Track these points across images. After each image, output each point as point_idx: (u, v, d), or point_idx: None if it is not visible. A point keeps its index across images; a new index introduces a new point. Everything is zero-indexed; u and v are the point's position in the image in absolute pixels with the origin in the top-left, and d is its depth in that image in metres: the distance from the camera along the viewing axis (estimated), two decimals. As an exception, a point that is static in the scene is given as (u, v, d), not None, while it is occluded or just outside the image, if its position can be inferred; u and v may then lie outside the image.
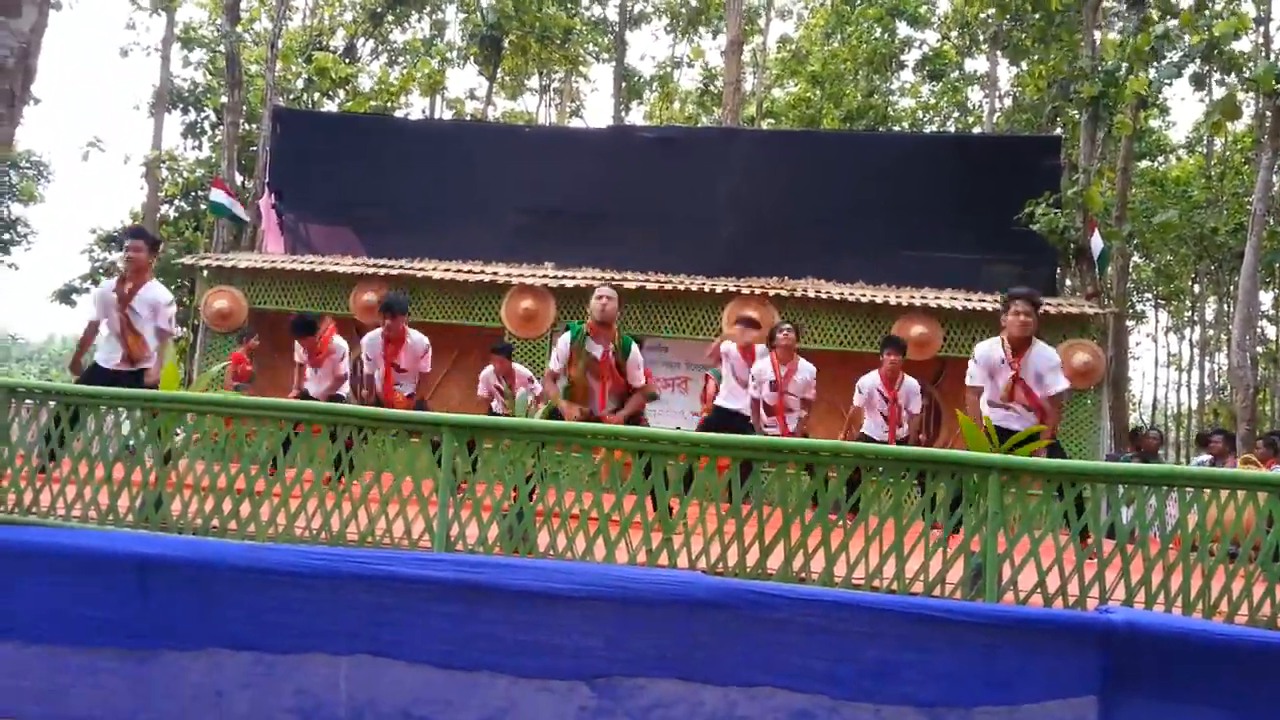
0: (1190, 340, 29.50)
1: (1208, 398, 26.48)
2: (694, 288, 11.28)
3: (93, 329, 6.27)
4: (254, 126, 20.87)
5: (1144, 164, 23.23)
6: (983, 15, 21.89)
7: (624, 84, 27.92)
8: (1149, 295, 29.23)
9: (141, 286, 6.07)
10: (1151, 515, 3.59)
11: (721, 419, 7.26)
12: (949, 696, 2.01)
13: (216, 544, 2.61)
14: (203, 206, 20.44)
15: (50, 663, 2.16)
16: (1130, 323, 25.91)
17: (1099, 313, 11.22)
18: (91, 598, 2.18)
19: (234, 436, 4.22)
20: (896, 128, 26.24)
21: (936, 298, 11.08)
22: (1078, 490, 3.69)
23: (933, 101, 27.41)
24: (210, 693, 2.11)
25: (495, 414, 8.67)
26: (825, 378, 8.03)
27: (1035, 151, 13.23)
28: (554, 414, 5.88)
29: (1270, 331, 24.46)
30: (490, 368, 8.79)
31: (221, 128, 20.08)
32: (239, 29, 19.11)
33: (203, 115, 22.85)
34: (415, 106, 26.24)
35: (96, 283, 21.93)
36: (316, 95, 22.18)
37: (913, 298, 11.04)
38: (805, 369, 7.54)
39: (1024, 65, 21.93)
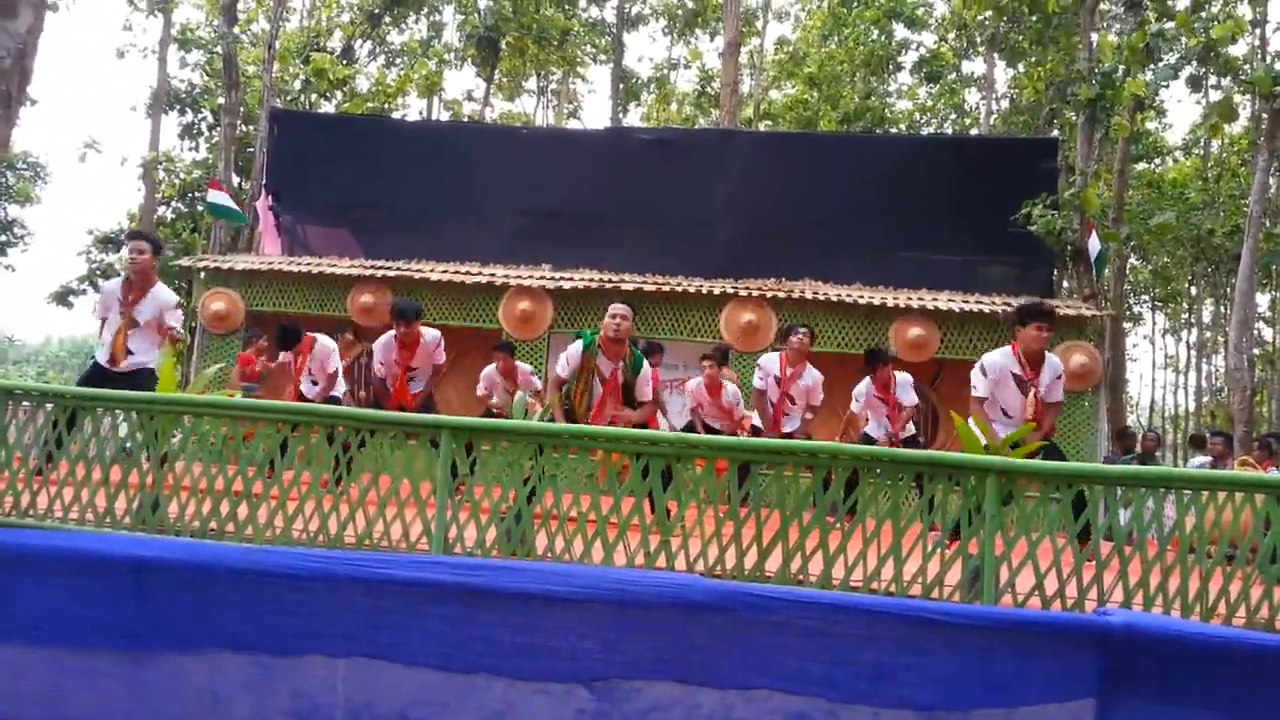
0: (1187, 342, 29.54)
1: (1205, 400, 26.50)
2: (691, 289, 11.29)
3: (105, 326, 6.18)
4: (251, 128, 20.84)
5: (1141, 166, 23.24)
6: (980, 17, 21.90)
7: (621, 85, 27.93)
8: (1146, 297, 29.23)
9: (148, 290, 6.06)
10: (1149, 517, 3.59)
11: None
12: (946, 699, 2.00)
13: (214, 546, 2.61)
14: (200, 208, 20.41)
15: (49, 665, 2.15)
16: (1127, 325, 25.92)
17: (1096, 315, 11.24)
18: (89, 600, 2.17)
19: (231, 439, 4.22)
20: (894, 130, 26.26)
21: (934, 299, 11.09)
22: (1075, 491, 3.70)
23: (930, 103, 27.43)
24: (208, 694, 2.11)
25: (492, 410, 8.70)
26: (823, 379, 8.05)
27: (1032, 153, 13.25)
28: (551, 419, 5.88)
29: (1267, 333, 24.49)
30: (493, 365, 8.83)
31: (219, 129, 20.05)
32: (236, 30, 19.08)
33: (200, 116, 22.83)
34: (413, 108, 26.26)
35: (94, 284, 21.92)
36: (314, 96, 22.17)
37: (910, 299, 11.05)
38: (811, 375, 7.54)
39: (1021, 67, 21.96)
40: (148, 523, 4.13)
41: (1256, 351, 18.18)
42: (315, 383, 7.62)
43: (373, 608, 2.12)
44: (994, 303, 10.98)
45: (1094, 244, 12.02)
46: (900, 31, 26.33)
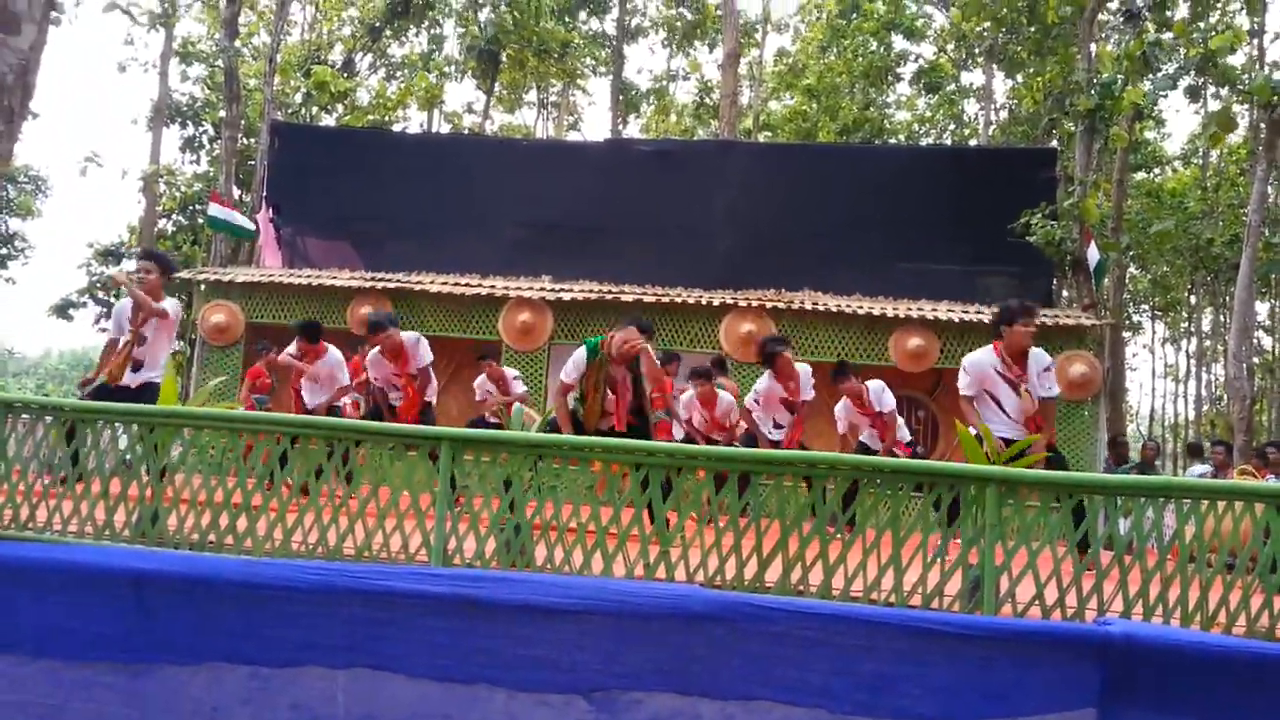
0: (1187, 351, 29.53)
1: (1204, 408, 26.49)
2: (691, 300, 11.30)
3: (112, 347, 6.17)
4: (252, 141, 20.92)
5: (1140, 176, 23.30)
6: (979, 28, 21.99)
7: (621, 97, 28.01)
8: (1145, 306, 29.26)
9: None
10: (1149, 527, 3.59)
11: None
12: (946, 710, 2.00)
13: (212, 559, 2.61)
14: (200, 221, 20.45)
15: (47, 678, 2.15)
16: (1127, 334, 25.93)
17: (1095, 324, 11.26)
18: (88, 613, 2.17)
19: (231, 451, 4.22)
20: (892, 140, 26.32)
21: (933, 310, 11.10)
22: (1075, 501, 3.70)
23: (929, 114, 27.50)
24: (207, 707, 2.11)
25: (488, 419, 8.77)
26: (822, 389, 8.06)
27: (1031, 164, 13.28)
28: (553, 426, 5.88)
29: (1266, 342, 24.49)
30: (483, 375, 8.95)
31: (219, 142, 20.12)
32: (237, 44, 19.17)
33: (201, 130, 22.92)
34: (413, 120, 26.35)
35: (94, 297, 21.95)
36: (315, 109, 22.23)
37: (909, 310, 11.06)
38: (805, 375, 7.60)
39: (1020, 78, 22.02)
40: (147, 535, 4.13)
41: (1256, 360, 18.17)
42: (319, 388, 7.63)
43: (371, 620, 2.12)
44: (993, 313, 10.97)
45: (1093, 253, 12.04)
46: (899, 43, 26.44)
